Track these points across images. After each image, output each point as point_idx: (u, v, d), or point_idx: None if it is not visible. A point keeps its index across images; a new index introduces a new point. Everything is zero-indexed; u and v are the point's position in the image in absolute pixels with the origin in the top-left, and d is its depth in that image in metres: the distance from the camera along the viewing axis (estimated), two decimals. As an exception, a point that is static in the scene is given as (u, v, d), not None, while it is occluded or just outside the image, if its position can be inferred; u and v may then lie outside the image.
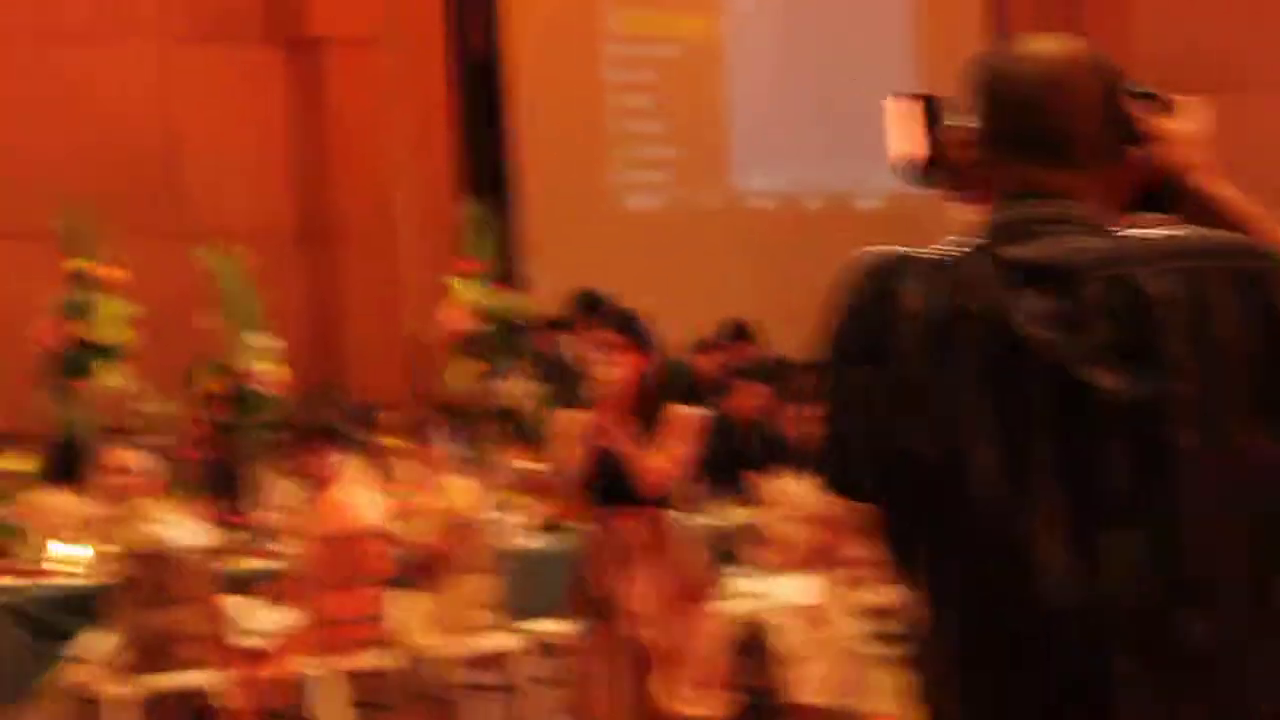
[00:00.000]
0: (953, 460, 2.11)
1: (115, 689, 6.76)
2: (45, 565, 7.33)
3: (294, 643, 7.10)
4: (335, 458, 7.12)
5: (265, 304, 8.43)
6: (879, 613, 8.33)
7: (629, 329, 6.07)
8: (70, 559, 7.32)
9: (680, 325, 10.22)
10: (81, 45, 12.88)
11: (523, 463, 8.88)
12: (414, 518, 7.71)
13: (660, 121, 14.81)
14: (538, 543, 8.07)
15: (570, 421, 6.12)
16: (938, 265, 2.20)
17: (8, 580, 7.16)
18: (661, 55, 14.88)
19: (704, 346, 11.43)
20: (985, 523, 2.10)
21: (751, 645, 7.87)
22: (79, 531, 7.45)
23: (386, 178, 13.47)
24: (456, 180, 14.07)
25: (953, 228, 2.33)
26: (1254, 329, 2.08)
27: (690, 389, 7.43)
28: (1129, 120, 2.27)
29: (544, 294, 12.01)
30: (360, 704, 7.31)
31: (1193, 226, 2.22)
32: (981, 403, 2.11)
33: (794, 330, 13.57)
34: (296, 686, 7.05)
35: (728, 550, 8.05)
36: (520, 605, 7.54)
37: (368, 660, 7.22)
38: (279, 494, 8.34)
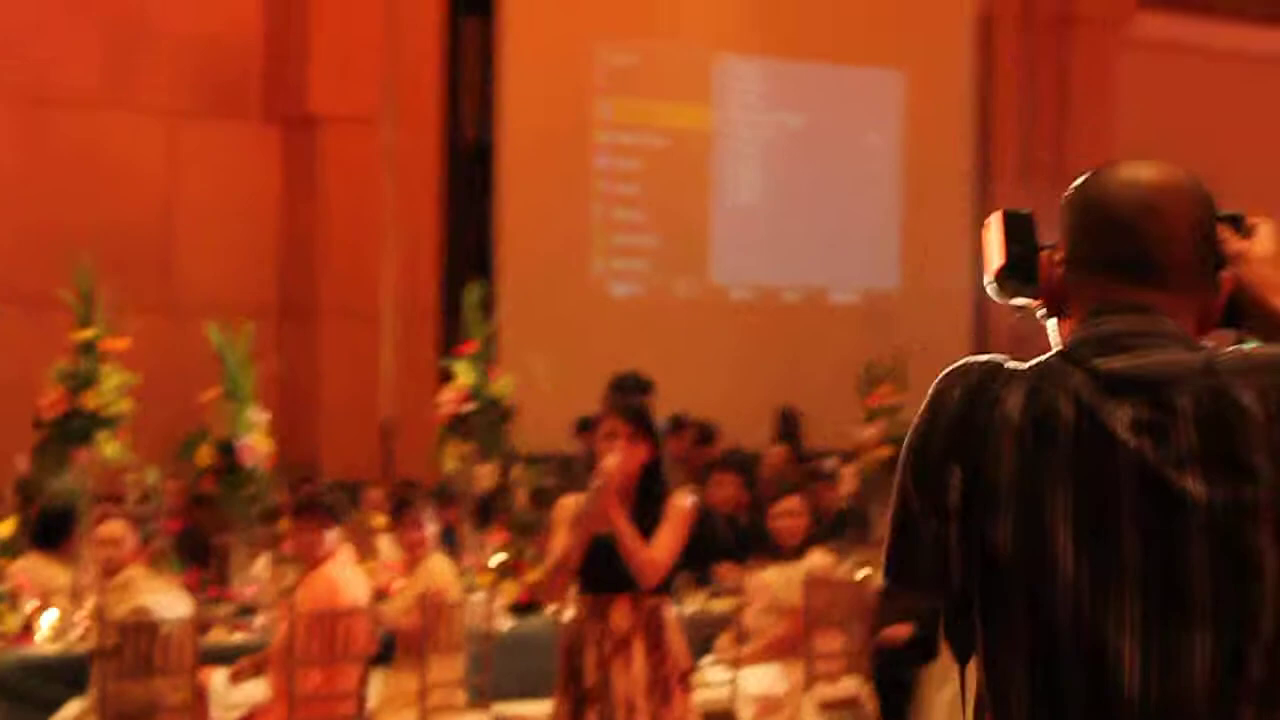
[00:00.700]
0: (1036, 556, 2.22)
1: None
2: (32, 633, 7.40)
3: (269, 717, 7.21)
4: (330, 535, 7.25)
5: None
6: (841, 705, 8.49)
7: (636, 419, 6.15)
8: (58, 627, 7.39)
9: (657, 411, 10.37)
10: (86, 112, 13.04)
11: (501, 545, 9.01)
12: (394, 596, 7.85)
13: (644, 211, 15.00)
14: (511, 625, 8.20)
15: (570, 508, 6.16)
16: (1034, 374, 2.29)
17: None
18: (650, 145, 15.08)
19: (677, 426, 11.47)
20: (1063, 617, 2.20)
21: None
22: (66, 599, 7.53)
23: (372, 256, 13.63)
24: (440, 262, 14.24)
25: (1032, 339, 2.46)
26: None
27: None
28: (1220, 245, 2.36)
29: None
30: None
31: (1270, 344, 2.34)
32: (1068, 503, 2.22)
33: (767, 418, 13.82)
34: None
35: (705, 639, 8.19)
36: (494, 686, 7.66)
37: (344, 737, 7.32)
38: (260, 568, 8.45)
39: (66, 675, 7.12)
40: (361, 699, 7.35)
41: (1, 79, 12.77)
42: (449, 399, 8.69)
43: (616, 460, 5.96)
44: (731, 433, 12.66)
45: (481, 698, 7.68)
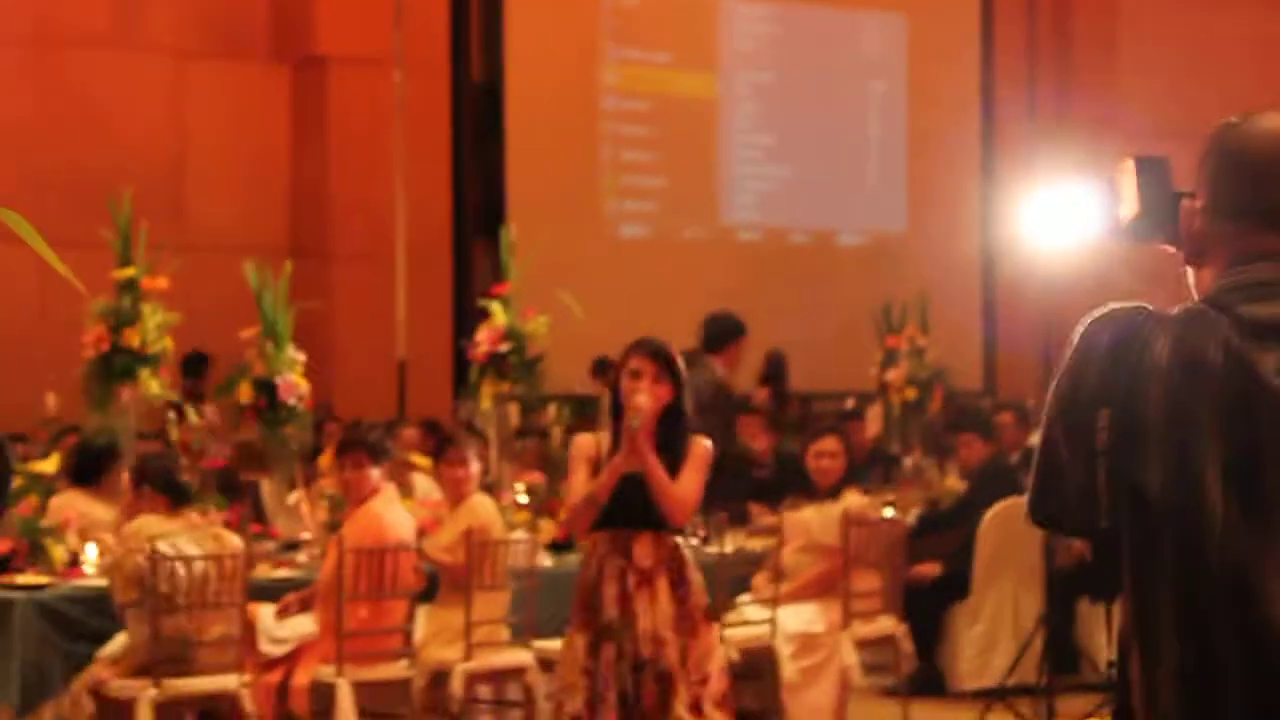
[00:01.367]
0: (1185, 496, 2.27)
1: (135, 690, 6.84)
2: (80, 566, 7.41)
3: (317, 650, 7.23)
4: (374, 472, 7.28)
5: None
6: (877, 643, 8.54)
7: (660, 359, 6.16)
8: (99, 563, 7.40)
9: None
10: (95, 54, 12.96)
11: (534, 483, 9.02)
12: (436, 534, 7.86)
13: (653, 152, 14.99)
14: (550, 562, 8.23)
15: (588, 445, 6.18)
16: (1180, 320, 2.34)
17: (40, 579, 7.21)
18: (658, 87, 15.05)
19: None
20: (1211, 555, 2.26)
21: (756, 671, 8.06)
22: (109, 534, 7.53)
23: (383, 198, 13.59)
24: (451, 204, 14.22)
25: (1169, 286, 2.49)
26: None
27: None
28: None
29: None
30: (376, 715, 7.44)
31: None
32: (1217, 445, 2.27)
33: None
34: (317, 694, 7.16)
35: (742, 578, 8.22)
36: (535, 623, 7.69)
37: (387, 672, 7.35)
38: (296, 504, 8.45)
39: (113, 608, 7.12)
40: (408, 634, 7.39)
41: (8, 20, 12.68)
42: (484, 339, 8.67)
43: (648, 399, 5.96)
44: (740, 374, 12.65)
45: (523, 634, 7.70)
